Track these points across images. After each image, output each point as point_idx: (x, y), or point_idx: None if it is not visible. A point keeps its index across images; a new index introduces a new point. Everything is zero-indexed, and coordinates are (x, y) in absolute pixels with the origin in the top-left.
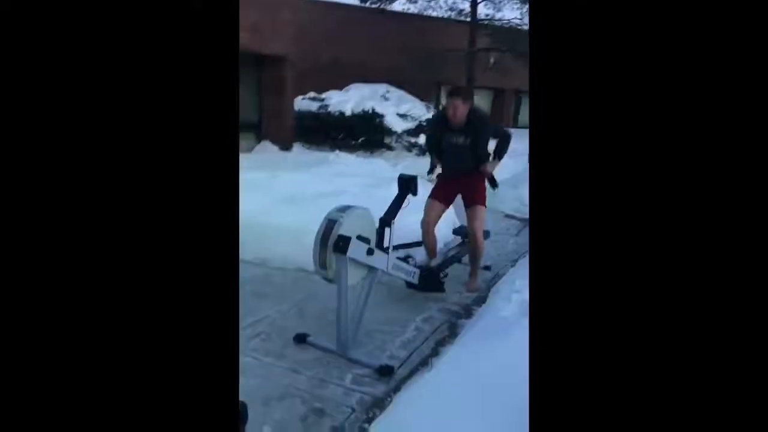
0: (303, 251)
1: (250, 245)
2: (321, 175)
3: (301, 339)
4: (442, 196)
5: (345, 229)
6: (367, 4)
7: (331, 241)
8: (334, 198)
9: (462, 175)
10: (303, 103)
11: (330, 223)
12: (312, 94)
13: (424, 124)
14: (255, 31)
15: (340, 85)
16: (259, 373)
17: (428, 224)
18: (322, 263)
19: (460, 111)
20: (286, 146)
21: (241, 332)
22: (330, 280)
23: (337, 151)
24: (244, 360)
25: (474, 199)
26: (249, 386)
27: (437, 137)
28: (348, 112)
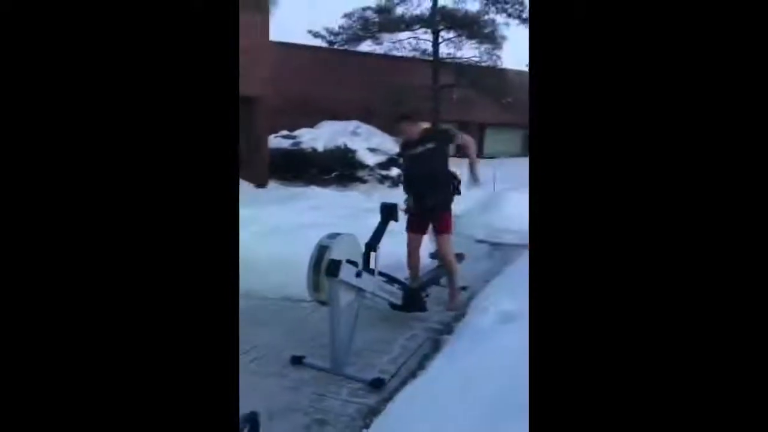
0: (288, 281)
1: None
2: (299, 208)
3: (297, 360)
4: (416, 226)
5: (335, 254)
6: (335, 46)
7: (324, 266)
8: (314, 229)
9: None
10: (276, 141)
11: (321, 249)
12: (284, 132)
13: (395, 157)
14: None
15: (311, 123)
16: (261, 391)
17: (410, 255)
18: (315, 287)
19: (411, 129)
20: (261, 183)
21: (240, 357)
22: (323, 302)
23: (312, 186)
24: (245, 380)
25: (440, 229)
26: (252, 403)
27: (404, 163)
28: (320, 148)
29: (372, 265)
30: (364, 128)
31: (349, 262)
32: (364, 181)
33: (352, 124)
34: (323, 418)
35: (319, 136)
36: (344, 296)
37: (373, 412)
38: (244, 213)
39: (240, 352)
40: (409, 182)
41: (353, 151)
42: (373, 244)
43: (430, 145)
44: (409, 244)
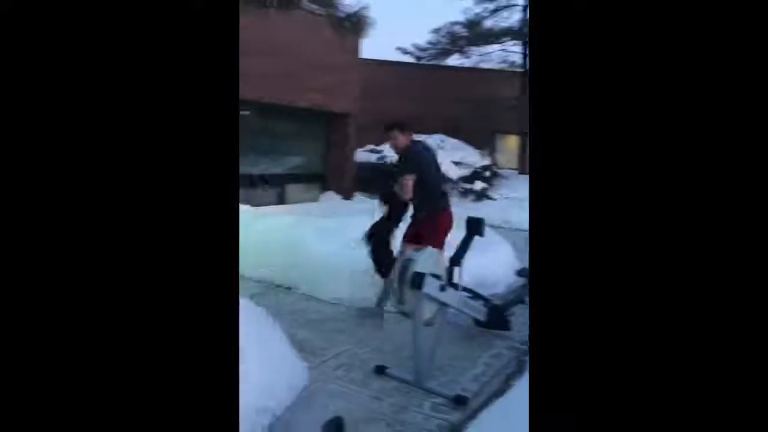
0: (374, 291)
1: (326, 286)
2: None
3: (380, 370)
4: (412, 238)
5: (419, 266)
6: (423, 61)
7: (408, 278)
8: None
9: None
10: (362, 155)
11: (406, 262)
12: (371, 146)
13: (480, 170)
14: (327, 92)
15: None
16: (345, 399)
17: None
18: (399, 299)
19: (399, 140)
20: (347, 196)
21: (324, 364)
22: (407, 315)
23: None
24: (331, 387)
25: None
26: (337, 409)
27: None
28: None
29: (456, 280)
30: (449, 142)
31: (433, 275)
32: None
33: (437, 138)
34: (405, 431)
35: None
36: (427, 309)
37: (455, 429)
38: (331, 224)
39: (324, 359)
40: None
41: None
42: (457, 259)
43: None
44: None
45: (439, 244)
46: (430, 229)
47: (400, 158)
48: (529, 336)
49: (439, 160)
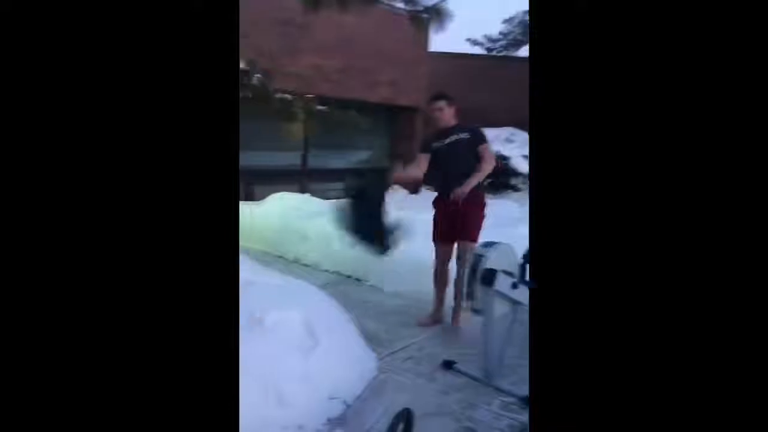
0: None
1: (391, 279)
2: None
3: (448, 365)
4: (445, 235)
5: (491, 263)
6: (494, 52)
7: (479, 275)
8: None
9: (453, 204)
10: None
11: (477, 258)
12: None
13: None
14: (394, 86)
15: None
16: (413, 391)
17: (439, 272)
18: (469, 295)
19: (446, 112)
20: (414, 189)
21: (392, 356)
22: (477, 311)
23: None
24: (398, 378)
25: (465, 234)
26: (404, 402)
27: (432, 155)
28: None
29: (528, 278)
30: (520, 135)
31: (505, 272)
32: (517, 190)
33: (507, 131)
34: (473, 428)
35: None
36: (498, 307)
37: (526, 430)
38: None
39: (392, 351)
40: (439, 175)
41: (507, 158)
42: (530, 256)
43: (464, 136)
44: (438, 257)
45: (477, 237)
46: (477, 221)
47: (435, 138)
48: (530, 340)
49: (503, 152)
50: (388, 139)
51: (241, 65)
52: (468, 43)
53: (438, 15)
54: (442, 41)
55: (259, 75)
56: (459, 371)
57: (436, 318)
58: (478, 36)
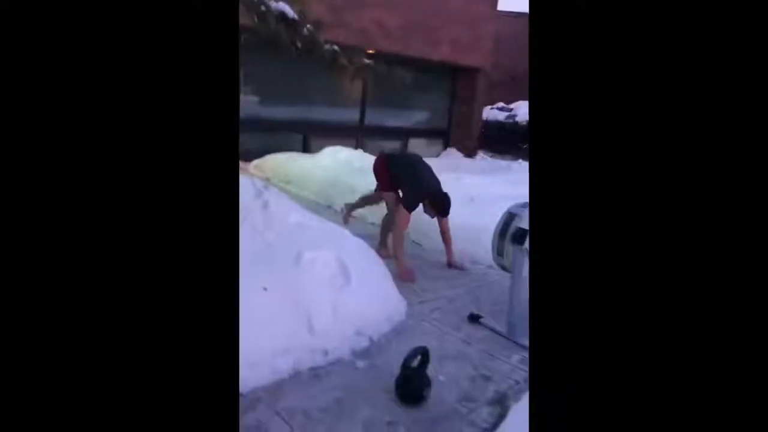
0: (479, 248)
1: (430, 238)
2: (503, 181)
3: (474, 319)
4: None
5: (524, 222)
6: None
7: (510, 232)
8: (512, 202)
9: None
10: (491, 112)
11: (510, 216)
12: (500, 104)
13: None
14: (455, 44)
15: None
16: (437, 338)
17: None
18: (499, 251)
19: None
20: (470, 153)
21: (421, 305)
22: (506, 269)
23: (521, 161)
24: (424, 325)
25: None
26: (427, 345)
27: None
28: None
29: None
30: None
31: None
32: None
33: None
34: (489, 375)
35: None
36: (527, 265)
37: None
38: (449, 179)
39: (422, 302)
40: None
41: None
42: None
43: None
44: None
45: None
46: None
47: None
48: (530, 337)
49: None
50: (448, 100)
51: (294, 16)
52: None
53: None
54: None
55: (309, 26)
56: (484, 325)
57: (384, 253)
58: None
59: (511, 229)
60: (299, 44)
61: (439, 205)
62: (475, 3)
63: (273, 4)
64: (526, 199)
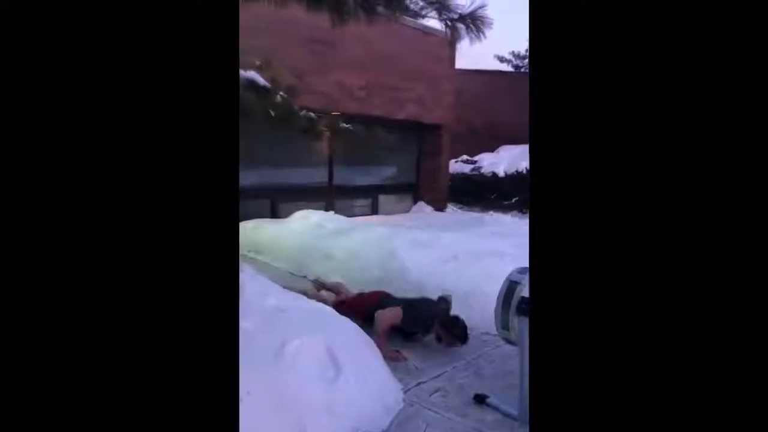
0: (469, 311)
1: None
2: (478, 235)
3: (480, 400)
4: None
5: (527, 291)
6: (522, 69)
7: (514, 303)
8: (496, 258)
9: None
10: (456, 165)
11: (512, 285)
12: (465, 156)
13: None
14: (420, 103)
15: (492, 148)
16: (443, 428)
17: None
18: (504, 325)
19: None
20: (440, 207)
21: (420, 387)
22: (512, 342)
23: (491, 212)
24: (427, 413)
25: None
26: None
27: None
28: (501, 173)
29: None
30: None
31: None
32: None
33: None
34: None
35: (500, 161)
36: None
37: None
38: (423, 237)
39: (420, 383)
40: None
41: None
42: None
43: None
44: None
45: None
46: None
47: None
48: (530, 342)
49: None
50: (415, 155)
51: (264, 83)
52: (495, 60)
53: (474, 23)
54: (468, 59)
55: (282, 93)
56: (492, 406)
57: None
58: (504, 53)
59: (515, 300)
60: (272, 112)
61: (458, 330)
62: (434, 63)
63: (241, 73)
64: (507, 258)
